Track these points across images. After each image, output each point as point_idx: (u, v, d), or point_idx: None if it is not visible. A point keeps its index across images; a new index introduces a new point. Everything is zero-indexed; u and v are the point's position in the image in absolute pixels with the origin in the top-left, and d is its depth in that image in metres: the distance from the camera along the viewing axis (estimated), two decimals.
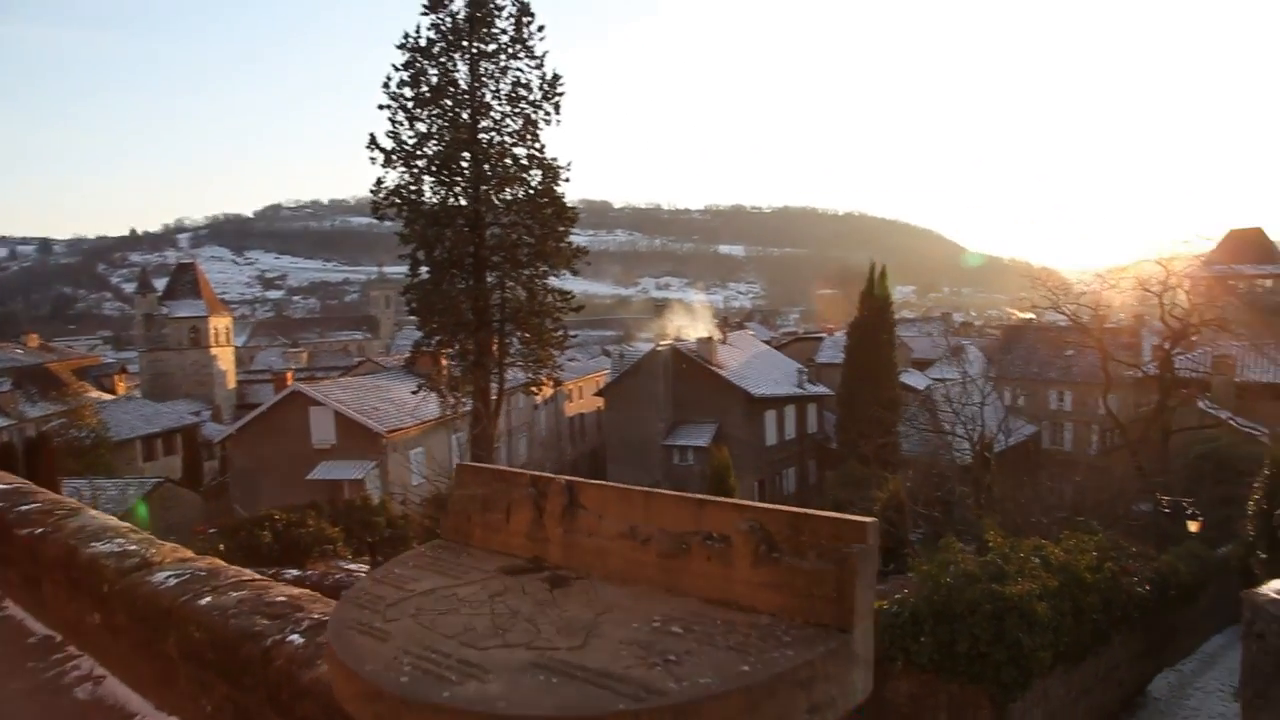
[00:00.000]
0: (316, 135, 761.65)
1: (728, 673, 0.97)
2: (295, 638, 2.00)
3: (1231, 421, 30.45)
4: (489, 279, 28.13)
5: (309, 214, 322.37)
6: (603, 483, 1.38)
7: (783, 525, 1.15)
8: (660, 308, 72.85)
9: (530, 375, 28.84)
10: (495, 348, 28.31)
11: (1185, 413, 31.03)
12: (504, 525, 1.45)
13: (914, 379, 46.18)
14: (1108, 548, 10.91)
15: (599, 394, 49.25)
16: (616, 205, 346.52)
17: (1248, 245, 51.38)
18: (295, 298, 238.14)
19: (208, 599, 2.32)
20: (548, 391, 33.69)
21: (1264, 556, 13.01)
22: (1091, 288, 34.51)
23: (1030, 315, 42.96)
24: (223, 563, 2.67)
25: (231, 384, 66.33)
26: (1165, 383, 30.73)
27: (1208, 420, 30.79)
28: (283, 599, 2.26)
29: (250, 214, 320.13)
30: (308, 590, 2.38)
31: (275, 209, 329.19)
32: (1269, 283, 50.54)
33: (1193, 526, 18.44)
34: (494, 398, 28.63)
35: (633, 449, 42.81)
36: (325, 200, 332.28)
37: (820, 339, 59.43)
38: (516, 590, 1.27)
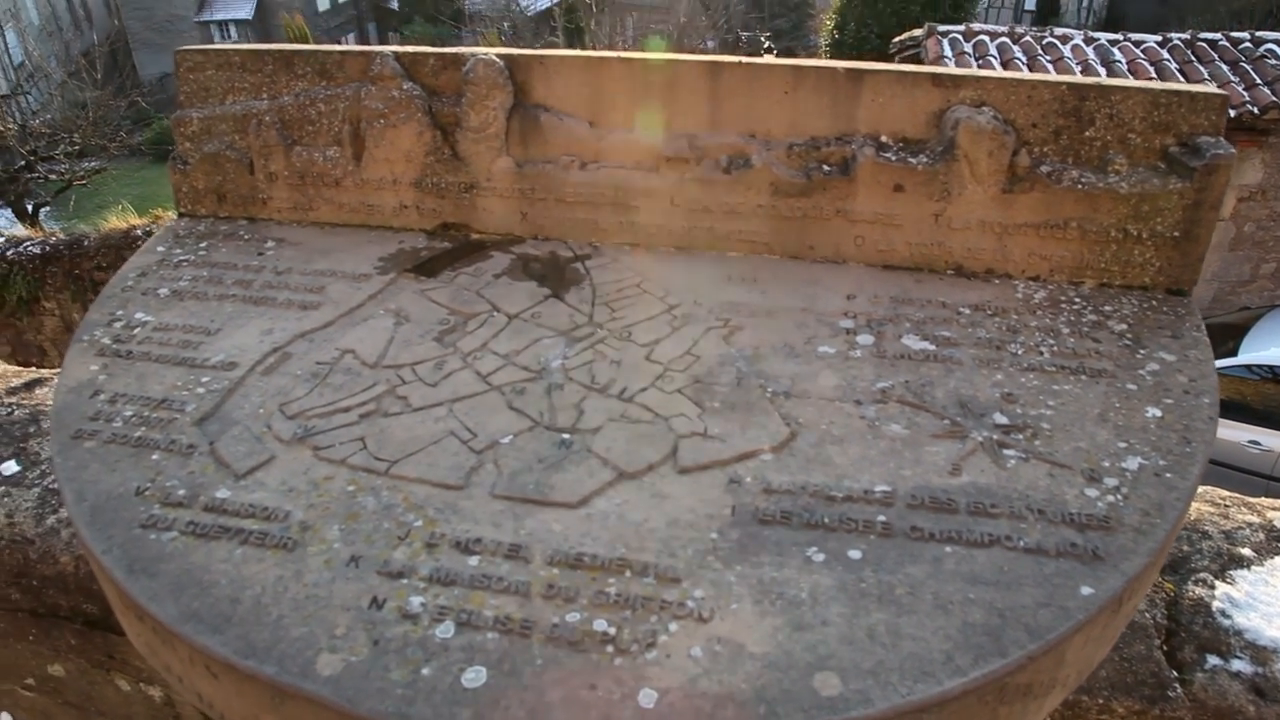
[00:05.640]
0: None
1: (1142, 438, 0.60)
2: None
3: None
4: None
5: None
6: (579, 52, 0.70)
7: (1046, 109, 0.62)
8: None
9: None
10: None
11: None
12: (349, 169, 0.72)
13: None
14: None
15: None
16: None
17: None
18: None
19: None
20: None
21: None
22: None
23: None
24: None
25: None
26: None
27: None
28: None
29: None
30: None
31: None
32: None
33: None
34: None
35: (161, 31, 36.33)
36: None
37: None
38: (475, 307, 0.63)
